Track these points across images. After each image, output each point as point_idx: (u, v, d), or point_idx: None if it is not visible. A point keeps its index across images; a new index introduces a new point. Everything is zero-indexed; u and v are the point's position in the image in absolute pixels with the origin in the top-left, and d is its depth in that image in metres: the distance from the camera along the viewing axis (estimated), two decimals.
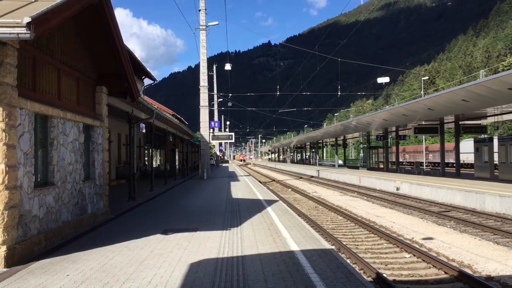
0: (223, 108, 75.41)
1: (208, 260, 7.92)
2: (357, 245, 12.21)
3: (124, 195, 18.86)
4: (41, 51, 9.26)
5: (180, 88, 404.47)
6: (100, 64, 12.68)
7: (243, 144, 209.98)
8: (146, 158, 39.76)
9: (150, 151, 27.39)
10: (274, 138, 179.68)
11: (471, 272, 9.04)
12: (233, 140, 45.16)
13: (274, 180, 43.90)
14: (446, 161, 40.89)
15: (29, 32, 7.04)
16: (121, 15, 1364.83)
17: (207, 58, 36.99)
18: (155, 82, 35.93)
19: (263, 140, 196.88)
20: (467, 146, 47.76)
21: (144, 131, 23.53)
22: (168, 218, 13.76)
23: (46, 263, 7.88)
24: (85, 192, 11.68)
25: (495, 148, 29.16)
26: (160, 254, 8.50)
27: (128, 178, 19.46)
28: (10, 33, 7.03)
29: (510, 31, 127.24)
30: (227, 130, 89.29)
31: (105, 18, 11.01)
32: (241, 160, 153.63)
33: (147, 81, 34.31)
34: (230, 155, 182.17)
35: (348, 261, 9.25)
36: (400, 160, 53.10)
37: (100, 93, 13.02)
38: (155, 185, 23.95)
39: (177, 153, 43.20)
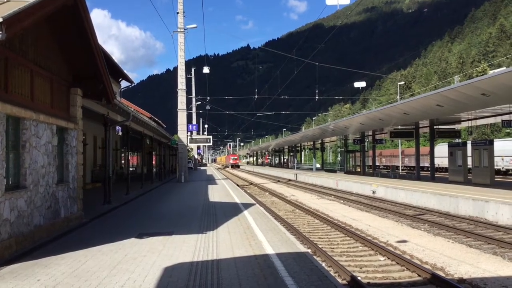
0: (201, 111, 75.09)
1: (183, 264, 7.87)
2: (333, 248, 12.28)
3: (99, 198, 18.60)
4: (14, 52, 9.10)
5: (158, 90, 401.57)
6: (75, 66, 12.52)
7: (222, 147, 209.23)
8: (122, 161, 39.34)
9: (127, 154, 27.09)
10: (253, 141, 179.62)
11: (443, 275, 9.17)
12: (211, 144, 44.88)
13: (252, 184, 43.87)
14: (421, 165, 41.44)
15: (0, 32, 6.91)
16: (99, 16, 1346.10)
17: (186, 61, 36.83)
18: (132, 84, 35.57)
19: (241, 144, 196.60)
20: (441, 151, 48.51)
21: (120, 133, 23.28)
22: (144, 221, 13.64)
23: (17, 267, 7.73)
24: (58, 195, 11.49)
25: (469, 153, 29.70)
26: (134, 258, 8.41)
27: (104, 182, 19.21)
28: None
29: (484, 38, 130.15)
30: (205, 133, 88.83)
31: (80, 19, 10.89)
32: (233, 165, 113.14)
33: (124, 84, 33.99)
34: (208, 158, 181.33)
35: (323, 264, 9.28)
36: (377, 163, 53.65)
37: (74, 95, 12.85)
38: (131, 188, 23.69)
39: (154, 156, 42.87)
